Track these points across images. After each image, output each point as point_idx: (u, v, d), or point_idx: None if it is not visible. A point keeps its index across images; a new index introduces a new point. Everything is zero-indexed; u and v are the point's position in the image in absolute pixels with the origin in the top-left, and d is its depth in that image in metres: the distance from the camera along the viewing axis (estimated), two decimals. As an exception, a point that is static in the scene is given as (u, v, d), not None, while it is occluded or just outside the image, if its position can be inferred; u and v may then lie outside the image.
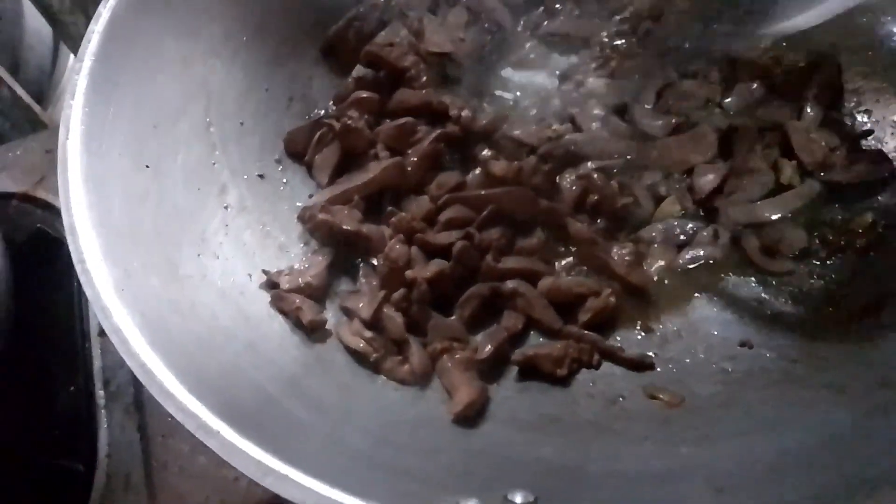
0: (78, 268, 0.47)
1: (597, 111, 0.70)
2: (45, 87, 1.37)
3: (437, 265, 0.59)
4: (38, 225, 0.77)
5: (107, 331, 0.44)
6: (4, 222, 0.79)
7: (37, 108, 1.06)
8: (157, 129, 0.61)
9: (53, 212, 0.82)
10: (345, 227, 0.62)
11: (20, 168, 0.87)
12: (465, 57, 0.74)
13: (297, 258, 0.64)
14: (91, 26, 0.60)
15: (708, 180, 0.63)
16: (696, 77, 0.71)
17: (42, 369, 0.71)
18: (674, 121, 0.68)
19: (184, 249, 0.56)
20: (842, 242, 0.58)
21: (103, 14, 0.61)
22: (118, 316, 0.45)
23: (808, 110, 0.65)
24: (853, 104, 0.67)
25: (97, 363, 0.71)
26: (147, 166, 0.58)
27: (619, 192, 0.64)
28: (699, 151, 0.66)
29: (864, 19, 0.67)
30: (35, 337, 0.72)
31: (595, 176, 0.65)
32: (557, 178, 0.67)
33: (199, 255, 0.57)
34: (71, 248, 0.48)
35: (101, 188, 0.52)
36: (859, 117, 0.66)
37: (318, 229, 0.63)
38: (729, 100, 0.70)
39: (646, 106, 0.70)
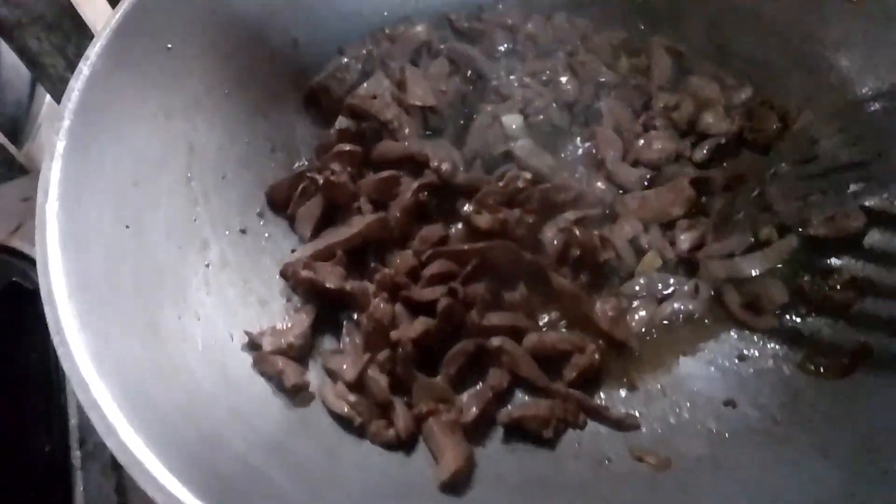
0: (55, 339, 0.46)
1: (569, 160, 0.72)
2: (23, 123, 1.35)
3: (422, 324, 0.58)
4: (14, 279, 0.75)
5: (84, 406, 0.43)
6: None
7: (12, 149, 1.04)
8: (138, 186, 0.60)
9: (30, 262, 0.81)
10: (328, 285, 0.61)
11: (-4, 216, 0.86)
12: (447, 107, 0.74)
13: (279, 313, 0.64)
14: (71, 83, 0.60)
15: (689, 237, 0.63)
16: (666, 129, 0.72)
17: (16, 428, 0.69)
18: (648, 175, 0.70)
19: (165, 310, 0.55)
20: (822, 298, 0.59)
21: (83, 70, 0.60)
22: (96, 390, 0.43)
23: (783, 164, 0.66)
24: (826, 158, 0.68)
25: (73, 420, 0.69)
26: (127, 226, 0.57)
27: (602, 245, 0.65)
28: (678, 204, 0.67)
29: (834, 80, 0.68)
30: (8, 394, 0.70)
31: (576, 229, 0.65)
32: (539, 231, 0.67)
33: (179, 316, 0.56)
34: (48, 318, 0.46)
35: (80, 251, 0.51)
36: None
37: (301, 286, 0.62)
38: (699, 153, 0.71)
39: (618, 157, 0.71)
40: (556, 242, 0.66)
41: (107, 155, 0.58)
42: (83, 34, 1.03)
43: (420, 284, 0.64)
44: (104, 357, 0.46)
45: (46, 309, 0.47)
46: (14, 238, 0.83)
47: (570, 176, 0.71)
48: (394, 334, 0.57)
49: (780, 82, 0.71)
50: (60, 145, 0.55)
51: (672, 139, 0.72)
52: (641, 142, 0.72)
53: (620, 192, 0.70)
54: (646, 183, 0.70)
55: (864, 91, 0.65)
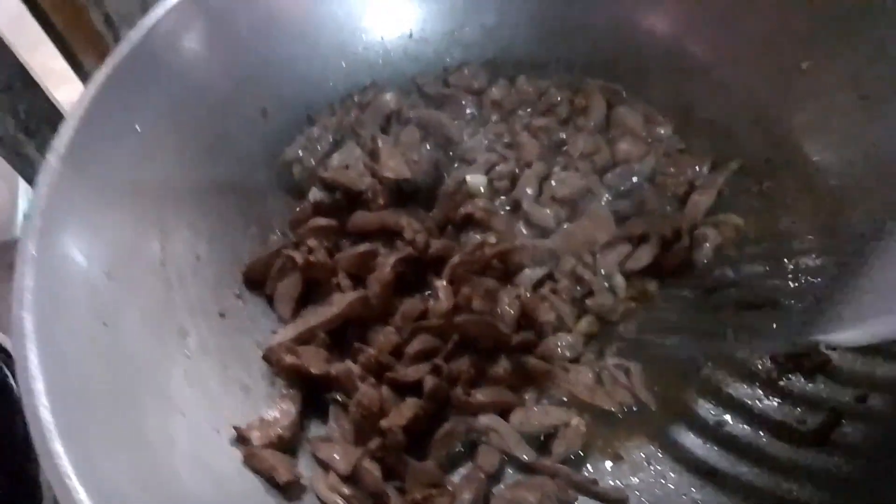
0: (44, 464, 0.44)
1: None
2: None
3: (410, 409, 0.59)
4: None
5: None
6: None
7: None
8: (111, 279, 0.59)
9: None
10: (313, 370, 0.61)
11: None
12: (420, 175, 0.75)
13: (263, 400, 0.63)
14: (40, 178, 0.58)
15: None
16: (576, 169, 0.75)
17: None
18: (564, 212, 0.72)
19: (148, 415, 0.54)
20: (790, 364, 0.61)
21: (51, 162, 0.58)
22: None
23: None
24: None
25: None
26: (105, 324, 0.56)
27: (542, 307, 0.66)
28: (601, 230, 0.70)
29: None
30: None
31: (524, 294, 0.67)
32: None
33: (163, 416, 0.55)
34: (35, 441, 0.45)
35: (59, 362, 0.50)
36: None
37: (285, 372, 0.62)
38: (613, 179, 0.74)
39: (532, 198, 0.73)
40: (512, 312, 0.67)
41: (79, 249, 0.57)
42: (33, 92, 1.00)
43: (403, 362, 0.64)
44: (91, 478, 0.45)
45: (33, 430, 0.46)
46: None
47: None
48: (384, 423, 0.57)
49: (741, 147, 0.73)
50: (32, 246, 0.54)
51: (584, 177, 0.74)
52: (553, 181, 0.74)
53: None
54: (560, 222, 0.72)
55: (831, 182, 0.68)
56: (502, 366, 0.65)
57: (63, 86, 1.05)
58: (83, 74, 1.08)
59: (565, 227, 0.70)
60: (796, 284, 0.64)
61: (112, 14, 0.97)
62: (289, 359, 0.61)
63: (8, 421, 0.71)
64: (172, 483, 0.51)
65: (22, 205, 1.52)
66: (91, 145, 0.60)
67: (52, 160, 0.59)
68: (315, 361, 0.62)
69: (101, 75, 0.63)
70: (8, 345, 0.76)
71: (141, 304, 0.60)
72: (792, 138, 0.71)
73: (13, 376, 0.75)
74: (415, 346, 0.64)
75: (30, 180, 1.08)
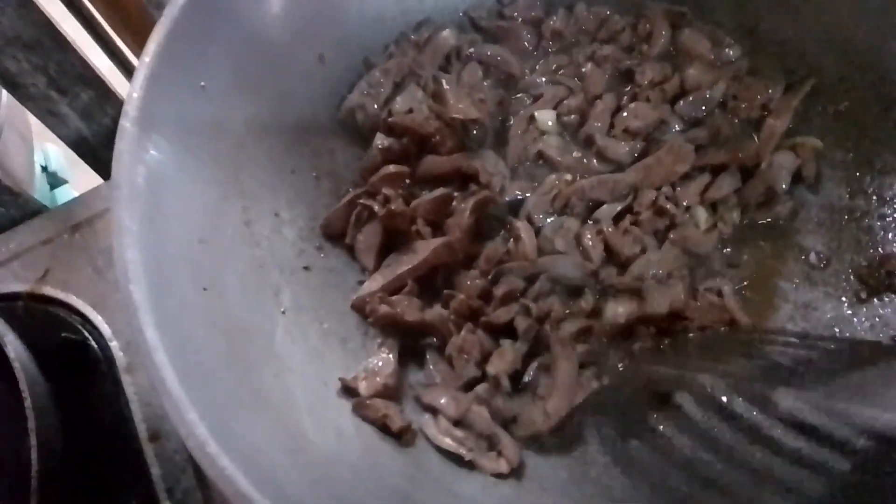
0: (182, 433, 0.45)
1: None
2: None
3: (510, 353, 0.60)
4: (64, 334, 0.74)
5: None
6: (20, 327, 0.75)
7: (26, 193, 0.99)
8: (205, 244, 0.59)
9: (69, 310, 0.78)
10: (408, 318, 0.62)
11: (19, 263, 0.82)
12: (488, 117, 0.73)
13: (359, 348, 0.64)
14: (118, 146, 0.57)
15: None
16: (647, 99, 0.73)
17: (101, 485, 0.69)
18: (639, 145, 0.71)
19: (263, 373, 0.55)
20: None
21: (126, 127, 0.57)
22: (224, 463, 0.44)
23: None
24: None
25: (155, 470, 0.69)
26: (205, 288, 0.57)
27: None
28: (681, 161, 0.69)
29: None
30: (87, 452, 0.69)
31: (606, 229, 0.68)
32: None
33: (276, 374, 0.56)
34: (171, 415, 0.46)
35: (175, 333, 0.51)
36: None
37: (381, 322, 0.63)
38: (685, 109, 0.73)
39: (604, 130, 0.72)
40: (594, 247, 0.67)
41: (172, 219, 0.57)
42: (63, 50, 0.97)
43: (493, 304, 0.65)
44: (231, 444, 0.46)
45: (167, 406, 0.47)
46: (44, 286, 0.80)
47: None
48: (490, 370, 0.59)
49: (814, 66, 0.71)
50: (128, 218, 0.54)
51: (656, 107, 0.72)
52: (625, 113, 0.72)
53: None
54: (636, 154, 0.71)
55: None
56: (584, 300, 0.66)
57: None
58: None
59: (643, 160, 0.69)
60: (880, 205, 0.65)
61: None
62: (383, 309, 0.62)
63: (99, 389, 0.72)
64: (301, 439, 0.52)
65: (39, 160, 1.52)
66: (163, 106, 0.59)
67: (128, 125, 0.58)
68: (409, 310, 0.63)
69: (160, 30, 0.61)
70: (89, 312, 0.77)
71: (235, 266, 0.61)
72: (869, 55, 0.69)
73: (94, 339, 0.77)
74: (501, 288, 0.65)
75: (64, 138, 1.07)
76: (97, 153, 1.09)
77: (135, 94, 0.58)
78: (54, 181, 1.65)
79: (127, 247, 0.52)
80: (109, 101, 1.04)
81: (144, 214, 0.54)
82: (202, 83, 0.63)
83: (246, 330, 0.58)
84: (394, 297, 0.63)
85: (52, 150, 1.62)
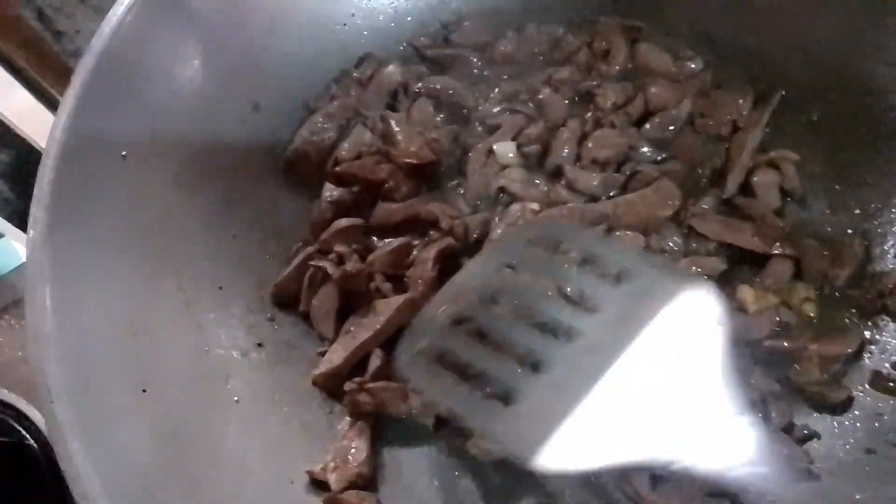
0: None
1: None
2: None
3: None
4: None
5: None
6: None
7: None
8: (138, 336, 0.52)
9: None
10: (393, 411, 0.57)
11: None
12: (443, 155, 0.68)
13: (324, 430, 0.58)
14: (30, 234, 0.50)
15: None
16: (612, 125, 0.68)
17: None
18: (611, 176, 0.65)
19: (217, 484, 0.49)
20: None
21: (39, 216, 0.51)
22: None
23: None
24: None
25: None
26: (144, 390, 0.50)
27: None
28: (665, 206, 0.63)
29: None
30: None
31: None
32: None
33: (232, 481, 0.50)
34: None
35: (108, 453, 0.44)
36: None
37: (360, 413, 0.57)
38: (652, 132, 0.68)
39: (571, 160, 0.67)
40: None
41: (97, 312, 0.50)
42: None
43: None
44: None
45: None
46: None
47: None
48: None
49: (781, 75, 0.68)
50: (45, 321, 0.47)
51: (622, 133, 0.67)
52: (590, 144, 0.67)
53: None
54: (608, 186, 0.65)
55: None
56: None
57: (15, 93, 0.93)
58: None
59: (625, 196, 0.64)
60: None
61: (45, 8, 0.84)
62: (363, 399, 0.56)
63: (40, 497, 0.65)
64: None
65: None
66: (78, 185, 0.53)
67: (40, 213, 0.51)
68: (394, 402, 0.57)
69: (70, 99, 0.54)
70: (23, 406, 0.69)
71: (176, 356, 0.54)
72: (835, 58, 0.65)
73: (31, 437, 0.69)
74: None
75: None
76: (24, 213, 1.01)
77: (45, 177, 0.52)
78: (-12, 236, 1.54)
79: (46, 360, 0.46)
80: (32, 158, 0.96)
81: (64, 314, 0.48)
82: (123, 153, 0.56)
83: (193, 431, 0.51)
84: (373, 386, 0.57)
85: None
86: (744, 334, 0.57)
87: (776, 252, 0.60)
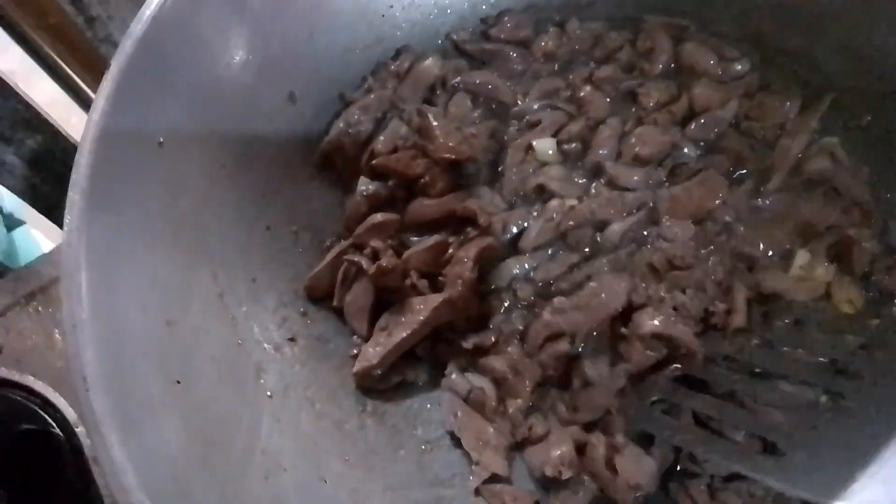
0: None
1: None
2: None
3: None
4: (23, 425, 0.65)
5: None
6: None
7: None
8: (172, 326, 0.51)
9: (27, 393, 0.70)
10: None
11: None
12: (480, 151, 0.66)
13: (356, 431, 0.57)
14: (68, 221, 0.49)
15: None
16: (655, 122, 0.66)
17: None
18: (653, 171, 0.64)
19: (250, 478, 0.48)
20: None
21: (75, 200, 0.49)
22: None
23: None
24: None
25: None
26: (178, 381, 0.49)
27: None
28: (712, 197, 0.62)
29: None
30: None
31: None
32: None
33: (265, 477, 0.49)
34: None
35: (144, 445, 0.43)
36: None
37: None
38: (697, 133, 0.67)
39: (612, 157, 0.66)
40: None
41: (132, 301, 0.49)
42: (4, 96, 0.88)
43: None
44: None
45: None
46: (-7, 364, 0.71)
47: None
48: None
49: (830, 78, 0.66)
50: (81, 310, 0.46)
51: (665, 131, 0.66)
52: (633, 139, 0.65)
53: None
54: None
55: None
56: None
57: (37, 83, 0.93)
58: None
59: (671, 189, 0.62)
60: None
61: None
62: None
63: (65, 485, 0.64)
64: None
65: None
66: (115, 171, 0.51)
67: (77, 197, 0.50)
68: None
69: (109, 83, 0.53)
70: (50, 395, 0.68)
71: (209, 347, 0.53)
72: (887, 63, 0.63)
73: (57, 426, 0.68)
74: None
75: (10, 187, 0.98)
76: (49, 200, 1.01)
77: (83, 161, 0.50)
78: (10, 223, 1.55)
79: (82, 346, 0.44)
80: (59, 146, 0.96)
81: (100, 301, 0.47)
82: (160, 139, 0.55)
83: (226, 425, 0.50)
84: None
85: (4, 190, 1.51)
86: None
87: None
